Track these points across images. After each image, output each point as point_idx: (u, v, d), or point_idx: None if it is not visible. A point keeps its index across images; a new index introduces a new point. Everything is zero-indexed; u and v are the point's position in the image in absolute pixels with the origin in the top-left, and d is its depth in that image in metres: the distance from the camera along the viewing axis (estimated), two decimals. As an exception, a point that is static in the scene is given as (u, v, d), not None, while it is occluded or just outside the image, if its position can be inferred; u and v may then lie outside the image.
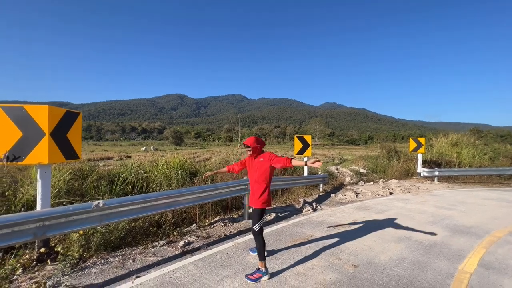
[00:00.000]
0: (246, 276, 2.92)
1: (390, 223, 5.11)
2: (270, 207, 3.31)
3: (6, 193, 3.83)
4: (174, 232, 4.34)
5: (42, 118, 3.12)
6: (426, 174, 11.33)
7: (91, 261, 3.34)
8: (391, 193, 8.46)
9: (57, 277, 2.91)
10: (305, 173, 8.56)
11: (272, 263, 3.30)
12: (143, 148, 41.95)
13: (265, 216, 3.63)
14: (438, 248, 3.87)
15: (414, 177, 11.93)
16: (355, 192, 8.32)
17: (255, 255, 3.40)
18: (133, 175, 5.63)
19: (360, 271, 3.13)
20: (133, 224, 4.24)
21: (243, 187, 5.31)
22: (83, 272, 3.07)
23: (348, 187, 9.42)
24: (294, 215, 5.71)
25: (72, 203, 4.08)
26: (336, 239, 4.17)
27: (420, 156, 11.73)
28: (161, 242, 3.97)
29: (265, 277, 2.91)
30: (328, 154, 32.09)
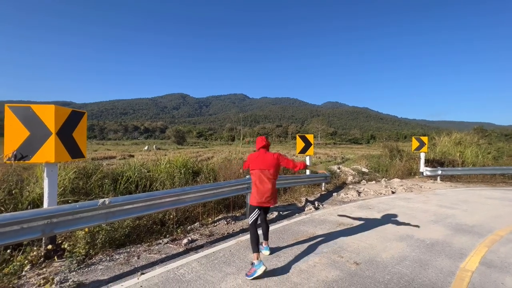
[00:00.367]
0: (246, 274, 2.95)
1: (392, 221, 5.12)
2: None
3: (13, 192, 3.89)
4: (178, 230, 4.40)
5: (49, 117, 3.18)
6: (428, 173, 11.30)
7: (96, 258, 3.40)
8: (393, 192, 8.45)
9: (64, 273, 2.98)
10: (307, 172, 8.58)
11: (275, 261, 3.34)
12: (146, 147, 42.16)
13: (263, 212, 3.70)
14: (440, 247, 3.89)
15: (416, 176, 11.90)
16: (357, 191, 8.33)
17: (262, 252, 3.45)
18: (136, 174, 5.70)
19: (362, 268, 3.16)
20: (137, 222, 4.30)
21: (246, 186, 5.35)
22: (89, 268, 3.14)
23: (350, 186, 9.42)
24: (297, 214, 5.75)
25: (77, 201, 4.14)
26: (338, 238, 4.20)
27: (422, 155, 11.69)
28: (165, 240, 4.03)
29: (260, 270, 2.80)
30: (330, 153, 32.04)
